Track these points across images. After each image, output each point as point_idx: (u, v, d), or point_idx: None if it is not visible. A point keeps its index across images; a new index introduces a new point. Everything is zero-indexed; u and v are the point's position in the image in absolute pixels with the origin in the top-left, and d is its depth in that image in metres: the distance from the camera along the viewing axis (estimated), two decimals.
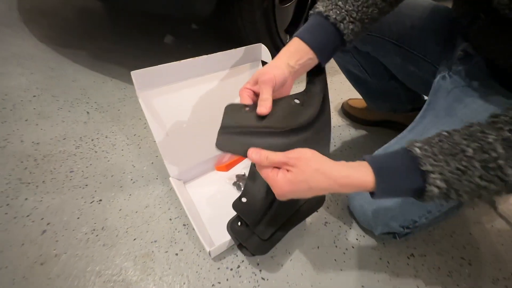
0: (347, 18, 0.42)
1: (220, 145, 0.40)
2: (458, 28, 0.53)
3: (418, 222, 0.52)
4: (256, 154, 0.37)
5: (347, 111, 0.96)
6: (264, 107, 0.40)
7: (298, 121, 0.42)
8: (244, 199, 0.55)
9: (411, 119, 0.87)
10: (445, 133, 0.33)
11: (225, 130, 0.41)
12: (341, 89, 1.12)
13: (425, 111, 0.56)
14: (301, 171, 0.34)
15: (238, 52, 0.64)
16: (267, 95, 0.40)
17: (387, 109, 0.86)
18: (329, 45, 0.44)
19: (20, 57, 1.04)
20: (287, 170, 0.35)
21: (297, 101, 0.45)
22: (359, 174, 0.34)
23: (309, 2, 1.05)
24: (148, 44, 1.23)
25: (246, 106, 0.42)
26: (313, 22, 0.44)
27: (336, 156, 0.82)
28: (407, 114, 0.86)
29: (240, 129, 0.40)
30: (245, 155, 0.38)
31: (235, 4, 0.88)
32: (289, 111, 0.43)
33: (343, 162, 0.36)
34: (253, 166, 0.62)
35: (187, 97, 0.62)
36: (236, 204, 0.54)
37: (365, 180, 0.33)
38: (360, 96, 0.96)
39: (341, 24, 0.42)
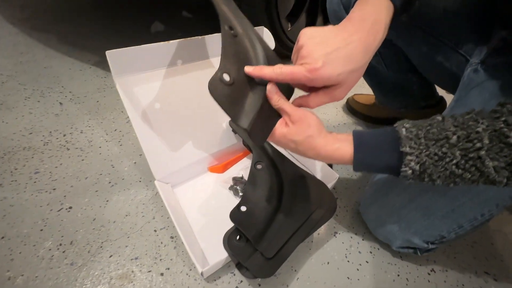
0: None
1: (260, 142, 0.38)
2: (496, 13, 0.46)
3: (447, 237, 0.45)
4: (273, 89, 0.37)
5: (352, 108, 0.89)
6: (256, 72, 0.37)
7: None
8: (243, 208, 0.46)
9: (421, 116, 0.81)
10: (439, 118, 0.32)
11: (250, 128, 0.37)
12: None
13: (453, 108, 0.48)
14: (296, 132, 0.36)
15: None
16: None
17: (398, 104, 0.79)
18: None
19: None
20: (286, 123, 0.37)
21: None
22: (342, 149, 0.35)
23: None
24: (134, 31, 1.11)
25: (222, 74, 0.37)
26: None
27: None
28: (418, 111, 0.80)
29: (254, 112, 0.37)
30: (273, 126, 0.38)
31: None
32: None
33: (334, 135, 0.37)
34: (253, 168, 0.53)
35: (175, 86, 0.52)
36: (234, 214, 0.45)
37: (346, 152, 0.35)
38: (366, 92, 0.89)
39: None
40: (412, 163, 0.31)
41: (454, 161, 0.30)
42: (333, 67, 0.33)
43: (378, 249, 0.55)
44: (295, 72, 0.34)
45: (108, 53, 0.42)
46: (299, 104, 0.39)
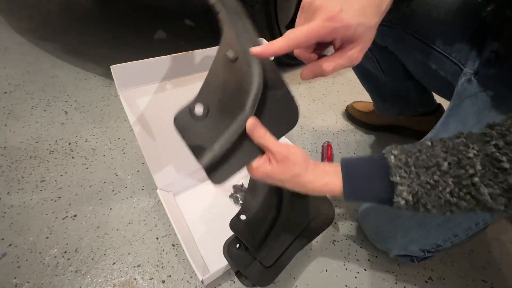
0: None
1: (219, 181, 0.36)
2: (489, 25, 0.47)
3: (443, 246, 0.45)
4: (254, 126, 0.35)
5: (352, 115, 0.90)
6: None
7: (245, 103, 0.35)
8: (243, 217, 0.47)
9: (420, 123, 0.83)
10: (428, 143, 0.31)
11: (210, 166, 0.35)
12: (343, 91, 1.05)
13: (447, 117, 0.49)
14: (281, 171, 0.34)
15: None
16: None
17: (396, 111, 0.80)
18: None
19: None
20: (269, 160, 0.35)
21: (230, 54, 0.35)
22: (331, 183, 0.34)
23: None
24: (137, 40, 1.14)
25: (194, 105, 0.35)
26: None
27: None
28: (415, 118, 0.81)
29: (223, 150, 0.35)
30: (246, 165, 0.36)
31: None
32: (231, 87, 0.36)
33: (321, 168, 0.35)
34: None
35: (176, 97, 0.54)
36: (234, 223, 0.46)
37: (335, 186, 0.34)
38: (365, 99, 0.90)
39: None
40: (404, 193, 0.30)
41: (448, 189, 0.29)
42: (351, 15, 0.29)
43: (376, 257, 0.56)
44: (312, 27, 0.29)
45: (113, 67, 0.44)
46: (311, 71, 0.33)
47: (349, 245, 0.57)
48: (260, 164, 0.35)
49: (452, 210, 0.30)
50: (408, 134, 0.85)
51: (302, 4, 0.32)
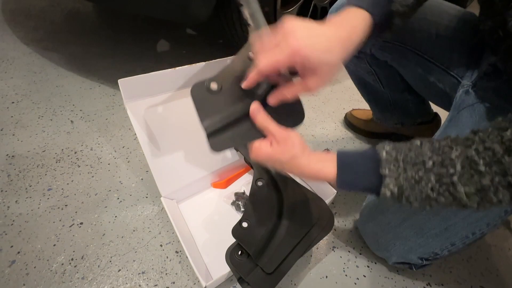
0: None
1: (216, 148, 0.40)
2: (487, 40, 0.49)
3: (440, 254, 0.47)
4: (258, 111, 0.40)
5: (351, 123, 0.92)
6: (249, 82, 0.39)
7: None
8: (244, 224, 0.49)
9: (418, 132, 0.84)
10: (418, 143, 0.34)
11: (211, 130, 0.40)
12: (343, 99, 1.07)
13: (446, 128, 0.51)
14: (281, 151, 0.37)
15: None
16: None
17: (394, 120, 0.81)
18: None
19: (0, 60, 0.96)
20: (271, 143, 0.39)
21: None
22: (326, 169, 0.37)
23: (311, 7, 1.01)
24: (140, 49, 1.16)
25: (210, 82, 0.41)
26: None
27: None
28: (414, 127, 0.82)
29: (225, 122, 0.41)
30: (242, 145, 0.43)
31: (233, 8, 0.83)
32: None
33: (317, 155, 0.38)
34: (254, 184, 0.56)
35: (180, 107, 0.56)
36: (236, 230, 0.47)
37: (329, 172, 0.36)
38: (364, 107, 0.92)
39: None
40: (391, 185, 0.32)
41: (430, 185, 0.31)
42: (315, 53, 0.33)
43: (375, 263, 0.57)
44: (277, 59, 0.34)
45: (120, 81, 0.46)
46: (276, 98, 0.40)
47: (349, 251, 0.58)
48: (262, 145, 0.39)
49: (432, 204, 0.33)
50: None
51: (277, 28, 0.36)
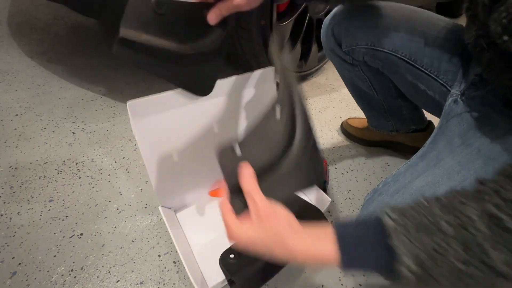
0: None
1: (119, 57, 0.36)
2: (471, 51, 0.51)
3: None
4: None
5: (347, 131, 0.93)
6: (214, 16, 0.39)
7: None
8: (232, 256, 0.47)
9: (413, 139, 0.86)
10: (424, 202, 0.29)
11: (127, 36, 0.35)
12: (339, 107, 1.09)
13: (436, 135, 0.52)
14: (265, 229, 0.31)
15: (246, 77, 0.60)
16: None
17: (389, 128, 0.83)
18: None
19: (5, 73, 0.99)
20: (251, 220, 0.31)
21: None
22: (324, 252, 0.30)
23: (306, 20, 1.04)
24: None
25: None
26: None
27: (338, 179, 0.78)
28: (409, 134, 0.84)
29: (150, 43, 0.36)
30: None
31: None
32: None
33: (310, 232, 0.31)
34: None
35: (183, 123, 0.58)
36: (223, 260, 0.47)
37: (328, 255, 0.29)
38: (360, 115, 0.93)
39: None
40: (407, 261, 0.26)
41: (455, 255, 0.25)
42: None
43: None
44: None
45: (129, 103, 0.48)
46: (214, 13, 0.39)
47: None
48: (239, 225, 0.32)
49: (467, 282, 0.26)
50: (402, 150, 0.87)
51: None
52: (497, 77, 0.43)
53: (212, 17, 0.41)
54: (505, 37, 0.34)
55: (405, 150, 0.87)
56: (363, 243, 0.29)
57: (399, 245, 0.26)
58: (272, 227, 0.31)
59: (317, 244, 0.30)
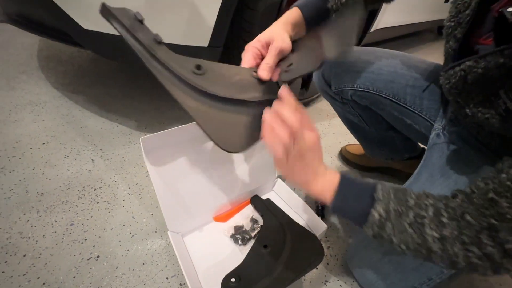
0: None
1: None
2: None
3: None
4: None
5: (345, 157, 0.98)
6: (266, 71, 0.43)
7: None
8: (233, 280, 0.53)
9: (408, 166, 0.90)
10: (406, 189, 0.41)
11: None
12: (339, 132, 1.14)
13: (421, 167, 0.57)
14: (302, 150, 0.39)
15: None
16: (272, 60, 0.44)
17: (384, 156, 0.87)
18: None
19: (34, 104, 1.10)
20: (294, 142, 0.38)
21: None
22: (325, 195, 0.42)
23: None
24: (156, 90, 1.30)
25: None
26: None
27: None
28: (403, 161, 0.88)
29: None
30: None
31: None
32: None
33: (325, 180, 0.42)
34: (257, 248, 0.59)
35: (190, 155, 0.64)
36: (225, 284, 0.52)
37: (326, 196, 0.42)
38: (358, 142, 0.98)
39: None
40: (381, 209, 0.38)
41: (408, 220, 0.37)
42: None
43: None
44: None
45: (143, 139, 0.55)
46: (263, 69, 0.43)
47: (340, 286, 0.62)
48: (282, 126, 0.37)
49: (406, 240, 0.37)
50: (398, 176, 0.91)
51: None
52: (464, 119, 0.48)
53: (264, 74, 0.43)
54: (450, 98, 0.42)
55: (401, 177, 0.90)
56: (353, 196, 0.41)
57: (380, 197, 0.39)
58: (312, 162, 0.40)
59: (325, 193, 0.42)
